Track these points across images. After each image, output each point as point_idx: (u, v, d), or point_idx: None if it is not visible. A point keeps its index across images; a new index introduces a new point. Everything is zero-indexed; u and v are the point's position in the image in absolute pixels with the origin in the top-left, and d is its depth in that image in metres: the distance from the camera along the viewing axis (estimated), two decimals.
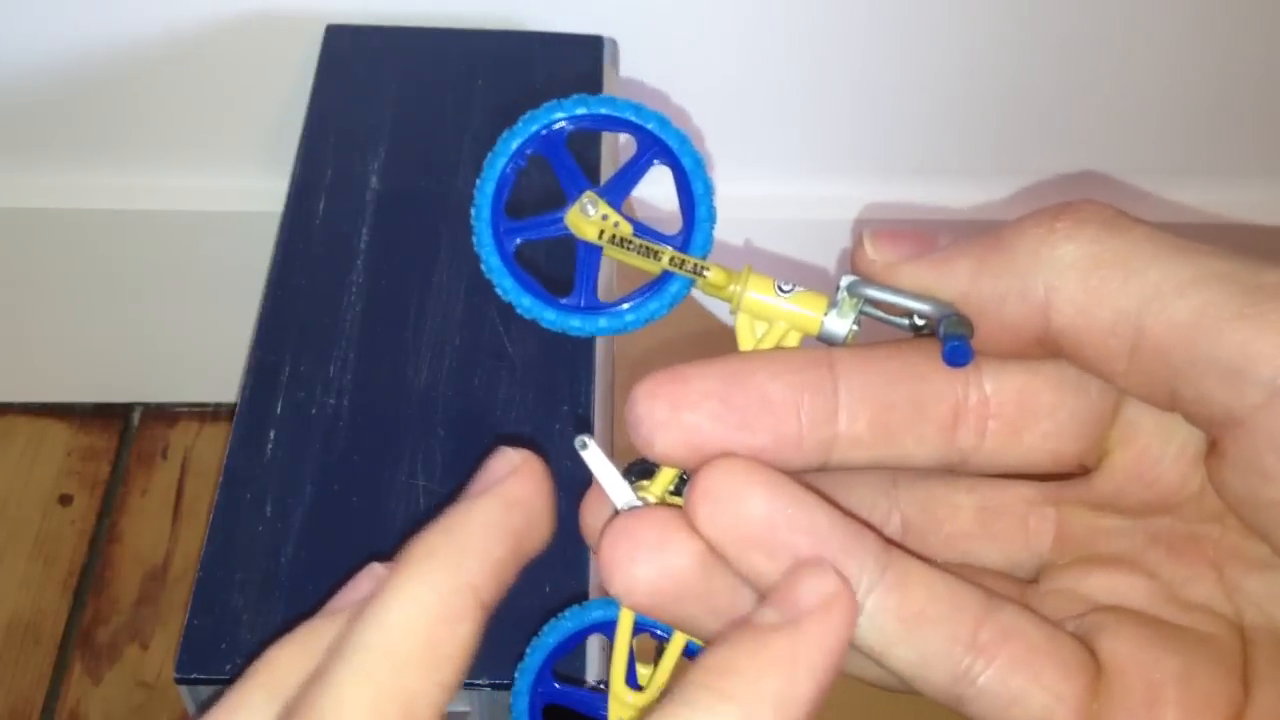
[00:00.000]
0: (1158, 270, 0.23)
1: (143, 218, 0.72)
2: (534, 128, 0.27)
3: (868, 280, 0.25)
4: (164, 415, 0.83)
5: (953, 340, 0.24)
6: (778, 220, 0.75)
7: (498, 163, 0.28)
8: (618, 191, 0.27)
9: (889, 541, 0.24)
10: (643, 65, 0.67)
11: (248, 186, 0.71)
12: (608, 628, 0.28)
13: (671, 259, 0.26)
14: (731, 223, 0.75)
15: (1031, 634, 0.24)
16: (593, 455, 0.27)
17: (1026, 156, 0.74)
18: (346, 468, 0.48)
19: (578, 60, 0.63)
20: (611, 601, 0.26)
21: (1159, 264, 0.23)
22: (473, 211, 0.28)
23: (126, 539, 0.77)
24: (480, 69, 0.62)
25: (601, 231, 0.27)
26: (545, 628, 0.28)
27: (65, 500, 0.79)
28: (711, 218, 0.26)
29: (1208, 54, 0.70)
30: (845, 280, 0.25)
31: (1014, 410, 0.25)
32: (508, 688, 0.43)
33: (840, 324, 0.25)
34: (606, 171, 0.58)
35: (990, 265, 0.24)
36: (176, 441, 0.82)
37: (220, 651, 0.43)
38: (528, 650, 0.28)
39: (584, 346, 0.52)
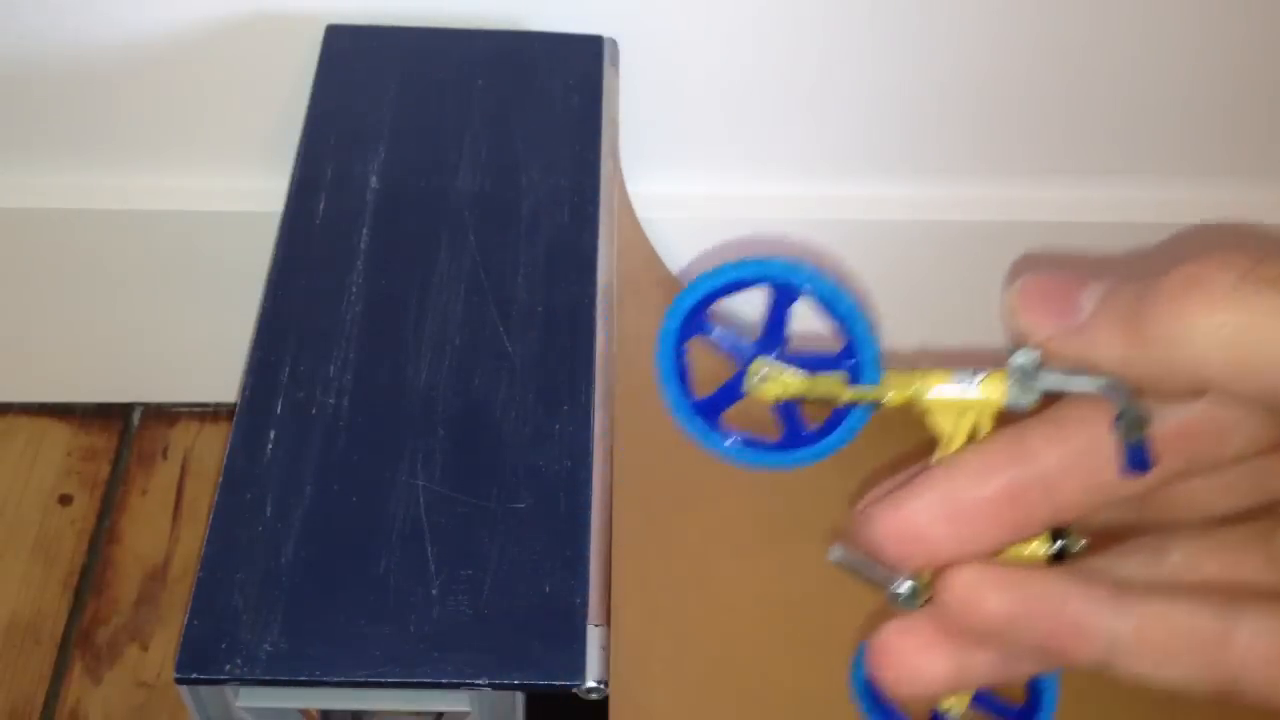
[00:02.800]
0: None
1: (143, 218, 0.72)
2: (686, 308, 0.28)
3: (1035, 368, 0.27)
4: (164, 415, 0.83)
5: (1131, 447, 0.26)
6: (778, 220, 0.75)
7: (668, 348, 0.29)
8: (775, 340, 0.28)
9: (1121, 584, 0.27)
10: (643, 65, 0.67)
11: (248, 186, 0.71)
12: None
13: (853, 398, 0.28)
14: (732, 223, 0.75)
15: (1277, 629, 0.26)
16: (850, 563, 0.28)
17: (1029, 156, 0.74)
18: (346, 468, 0.48)
19: (578, 60, 0.63)
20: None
21: None
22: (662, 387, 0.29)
23: (126, 539, 0.77)
24: (480, 69, 0.62)
25: (780, 395, 0.28)
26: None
27: (65, 500, 0.79)
28: (874, 344, 0.28)
29: (1213, 54, 0.70)
30: (1015, 362, 0.27)
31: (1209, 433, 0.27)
32: (508, 688, 0.43)
33: (1027, 397, 0.27)
34: (606, 159, 0.58)
35: (1135, 343, 0.25)
36: (176, 441, 0.82)
37: (220, 651, 0.43)
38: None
39: (584, 346, 0.52)
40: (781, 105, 0.71)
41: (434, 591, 0.45)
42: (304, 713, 0.47)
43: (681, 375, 0.29)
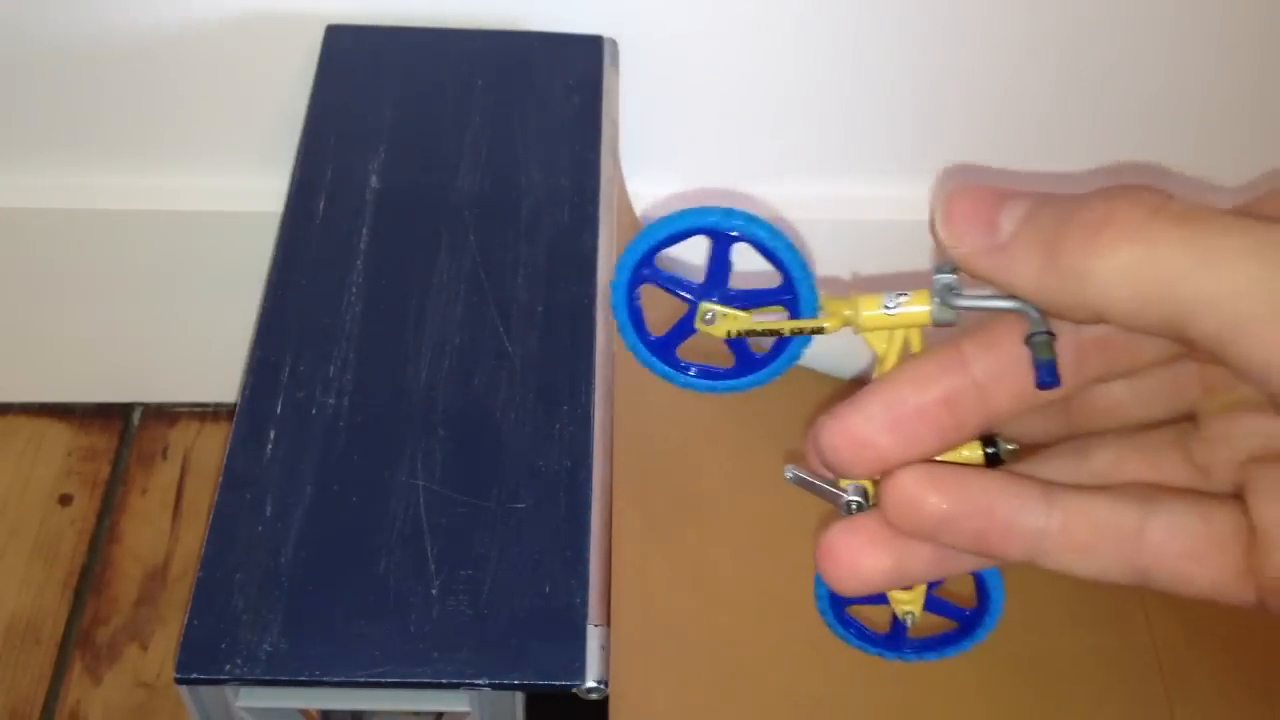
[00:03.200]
0: (1193, 282, 0.25)
1: (143, 218, 0.72)
2: (634, 259, 0.31)
3: (955, 289, 0.29)
4: (164, 415, 0.83)
5: (1041, 365, 0.27)
6: (778, 220, 0.75)
7: (621, 292, 0.31)
8: (719, 280, 0.30)
9: (1048, 485, 0.29)
10: (643, 65, 0.67)
11: (248, 186, 0.71)
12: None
13: (793, 329, 0.30)
14: None
15: (1187, 525, 0.28)
16: (801, 480, 0.31)
17: (1028, 155, 0.74)
18: (346, 468, 0.48)
19: (578, 60, 0.63)
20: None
21: (1194, 275, 0.25)
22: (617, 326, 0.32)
23: (126, 539, 0.77)
24: (480, 69, 0.62)
25: (729, 331, 0.30)
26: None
27: (65, 500, 0.79)
28: (809, 278, 0.30)
29: (1209, 53, 0.70)
30: (937, 282, 0.29)
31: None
32: (508, 688, 0.43)
33: (947, 315, 0.29)
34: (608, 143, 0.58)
35: (1047, 273, 0.26)
36: (176, 441, 0.82)
37: (220, 651, 0.43)
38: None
39: (584, 346, 0.52)
40: (781, 105, 0.71)
41: (434, 591, 0.45)
42: (304, 713, 0.47)
43: (637, 320, 0.31)
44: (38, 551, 0.76)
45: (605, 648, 0.44)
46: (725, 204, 0.30)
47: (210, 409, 0.83)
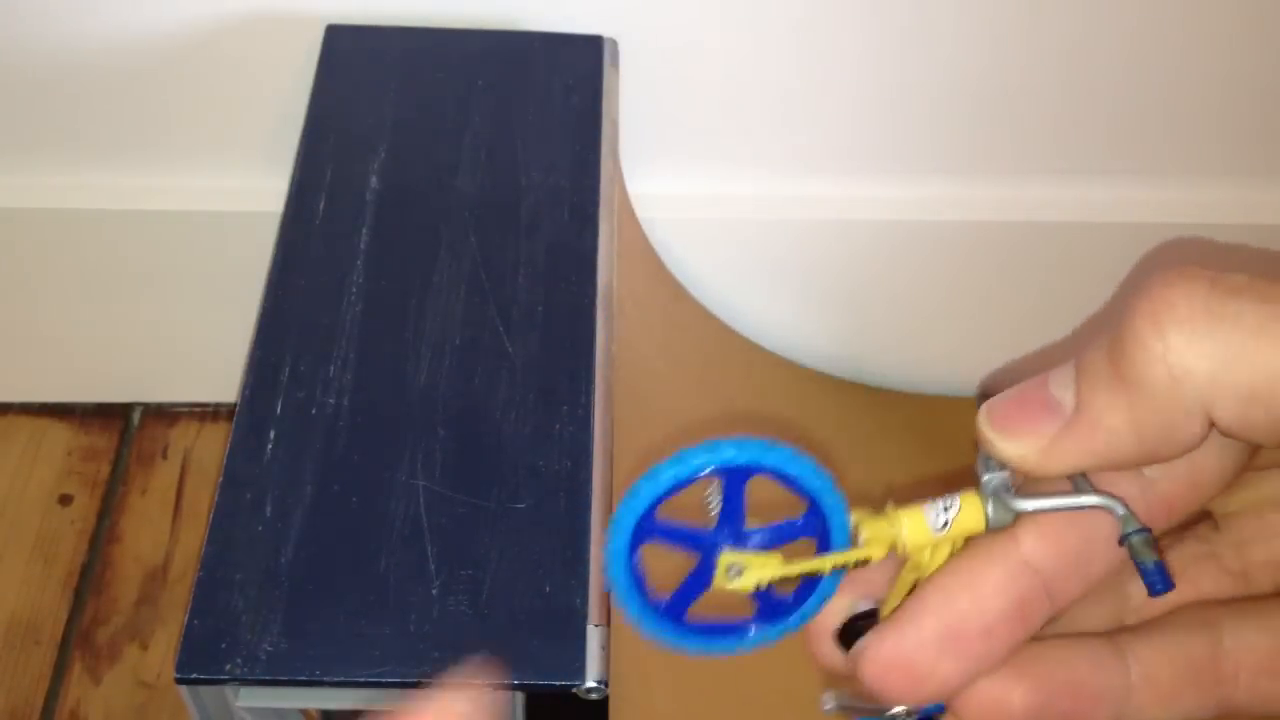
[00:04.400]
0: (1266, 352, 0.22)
1: (143, 218, 0.72)
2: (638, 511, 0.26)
3: (1009, 488, 0.25)
4: (164, 415, 0.83)
5: (1150, 571, 0.24)
6: (778, 220, 0.75)
7: (620, 560, 0.26)
8: (734, 524, 0.25)
9: (1112, 637, 0.26)
10: (643, 65, 0.67)
11: (248, 186, 0.71)
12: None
13: (836, 566, 0.25)
14: (732, 223, 0.75)
15: (1254, 642, 0.26)
16: (846, 708, 0.27)
17: (1027, 155, 0.74)
18: (346, 468, 0.48)
19: (578, 60, 0.63)
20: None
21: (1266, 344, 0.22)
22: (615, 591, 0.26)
23: (126, 539, 0.77)
24: (480, 69, 0.62)
25: (758, 583, 0.25)
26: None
27: (65, 500, 0.79)
28: (841, 503, 0.25)
29: (1212, 54, 0.70)
30: (987, 485, 0.25)
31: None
32: (508, 688, 0.43)
33: (1006, 519, 0.25)
34: (607, 140, 0.58)
35: (1138, 403, 0.23)
36: (176, 441, 0.82)
37: (220, 651, 0.43)
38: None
39: (584, 346, 0.52)
40: (781, 105, 0.71)
41: (434, 591, 0.45)
42: (304, 713, 0.47)
43: (640, 587, 0.26)
44: (38, 551, 0.76)
45: (605, 648, 0.44)
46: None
47: (210, 409, 0.83)
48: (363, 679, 0.43)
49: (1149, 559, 0.24)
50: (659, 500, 0.25)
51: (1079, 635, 0.26)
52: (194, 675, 0.43)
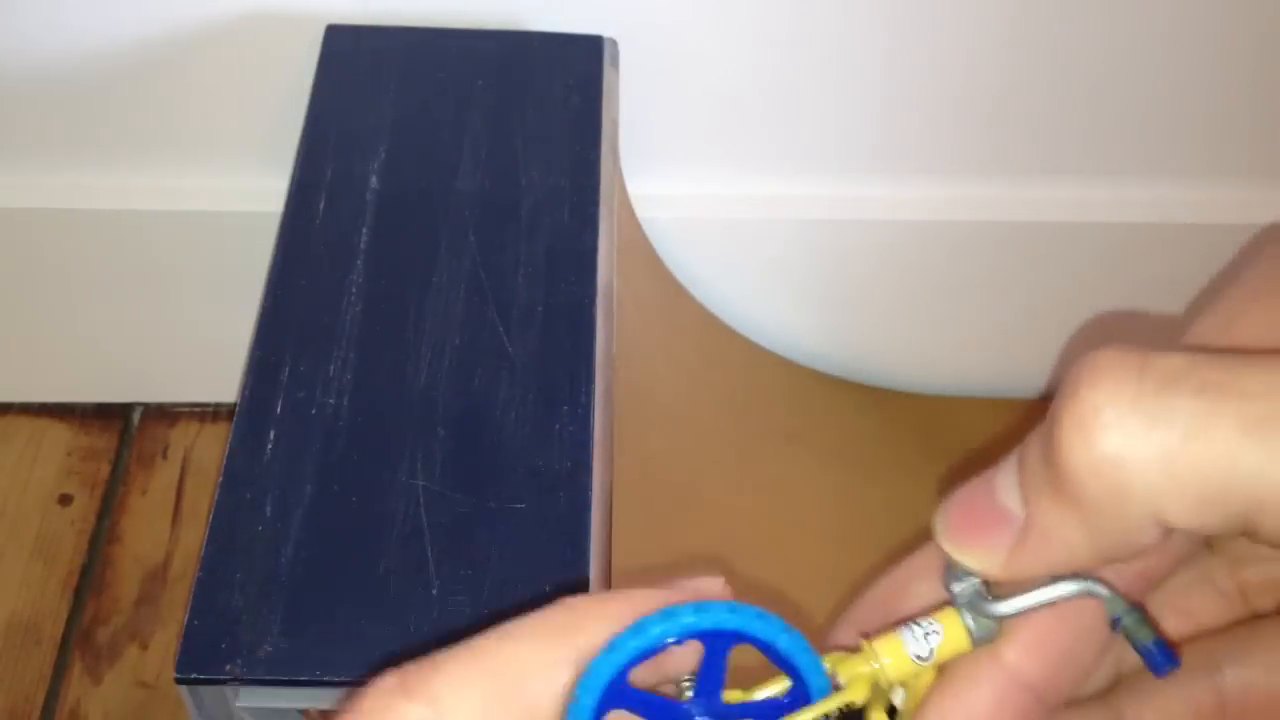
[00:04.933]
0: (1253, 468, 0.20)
1: (143, 218, 0.72)
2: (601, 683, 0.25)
3: (983, 595, 0.24)
4: (164, 415, 0.83)
5: (1150, 651, 0.23)
6: (778, 220, 0.75)
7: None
8: (713, 691, 0.24)
9: (1105, 701, 0.26)
10: (643, 65, 0.67)
11: (248, 186, 0.71)
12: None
13: (814, 718, 0.24)
14: (731, 223, 0.75)
15: (1253, 679, 0.25)
16: None
17: (1026, 155, 0.74)
18: (346, 468, 0.48)
19: (578, 60, 0.63)
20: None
21: (1247, 458, 0.20)
22: None
23: (126, 539, 0.77)
24: (480, 69, 0.62)
25: None
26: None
27: (65, 500, 0.79)
28: (819, 666, 0.25)
29: (1219, 54, 0.70)
30: (960, 596, 0.24)
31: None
32: None
33: (989, 629, 0.24)
34: (608, 153, 0.58)
35: (1089, 527, 0.21)
36: (176, 441, 0.82)
37: (220, 651, 0.43)
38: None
39: (584, 346, 0.52)
40: (782, 105, 0.71)
41: (434, 591, 0.45)
42: (304, 713, 0.47)
43: None
44: (38, 551, 0.76)
45: None
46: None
47: (210, 409, 0.83)
48: (363, 679, 0.43)
49: (1146, 638, 0.23)
50: (632, 663, 0.24)
51: (1075, 706, 0.26)
52: (194, 675, 0.43)
